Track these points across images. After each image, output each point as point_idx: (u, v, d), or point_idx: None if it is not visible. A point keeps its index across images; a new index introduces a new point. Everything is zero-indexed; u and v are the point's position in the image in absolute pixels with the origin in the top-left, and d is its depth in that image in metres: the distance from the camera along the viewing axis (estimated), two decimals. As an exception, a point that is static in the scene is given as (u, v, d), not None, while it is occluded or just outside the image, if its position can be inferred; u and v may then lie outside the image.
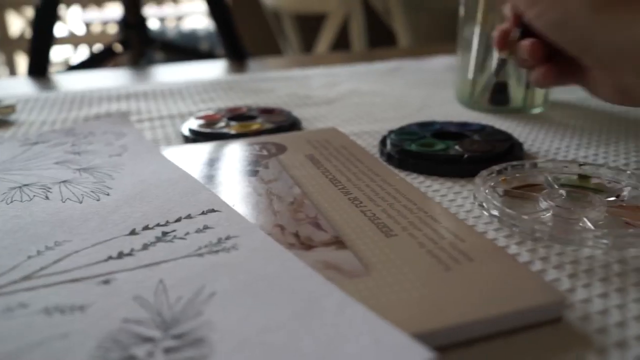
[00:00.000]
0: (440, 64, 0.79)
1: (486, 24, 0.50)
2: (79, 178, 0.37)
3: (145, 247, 0.27)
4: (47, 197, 0.34)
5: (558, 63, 0.39)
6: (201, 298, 0.23)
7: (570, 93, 0.57)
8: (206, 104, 0.60)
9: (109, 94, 0.65)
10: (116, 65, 1.04)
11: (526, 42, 0.39)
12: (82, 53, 2.80)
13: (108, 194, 0.34)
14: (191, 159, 0.41)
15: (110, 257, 0.26)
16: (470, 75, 0.52)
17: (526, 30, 0.39)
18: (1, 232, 0.29)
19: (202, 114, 0.51)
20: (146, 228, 0.29)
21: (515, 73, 0.51)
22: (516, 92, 0.52)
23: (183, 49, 1.28)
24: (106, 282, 0.24)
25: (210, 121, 0.49)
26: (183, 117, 0.54)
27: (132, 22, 0.99)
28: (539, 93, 0.52)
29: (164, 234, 0.28)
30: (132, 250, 0.27)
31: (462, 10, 0.53)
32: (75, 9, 2.85)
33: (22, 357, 0.19)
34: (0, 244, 0.28)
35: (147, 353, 0.19)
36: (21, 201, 0.33)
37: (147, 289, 0.23)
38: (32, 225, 0.30)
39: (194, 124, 0.48)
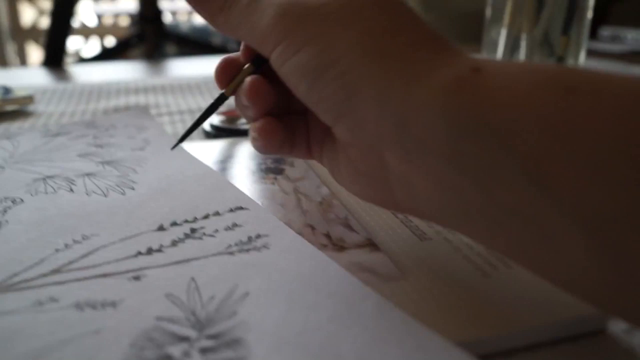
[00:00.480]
0: None
1: (513, 26, 0.50)
2: (102, 171, 0.36)
3: (174, 243, 0.27)
4: (71, 190, 0.33)
5: (287, 122, 0.27)
6: (235, 298, 0.22)
7: None
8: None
9: (127, 87, 0.65)
10: (128, 58, 1.04)
11: (249, 79, 0.26)
12: (94, 45, 2.80)
13: (133, 188, 0.33)
14: (214, 155, 0.40)
15: (139, 253, 0.26)
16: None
17: (265, 69, 0.26)
18: (27, 224, 0.29)
19: (223, 109, 0.51)
20: (174, 224, 0.29)
21: (531, 58, 0.50)
22: None
23: (197, 43, 1.28)
24: (137, 278, 0.24)
25: (231, 117, 0.49)
26: (202, 113, 0.54)
27: (149, 15, 0.98)
28: None
29: (193, 230, 0.28)
30: (161, 246, 0.26)
31: (488, 12, 0.52)
32: (88, 1, 2.85)
33: (53, 354, 0.19)
34: (26, 236, 0.27)
35: (183, 352, 0.19)
36: (46, 193, 0.33)
37: (178, 287, 0.23)
38: (58, 218, 0.29)
39: (215, 119, 0.48)
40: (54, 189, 0.33)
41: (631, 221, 0.16)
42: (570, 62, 0.49)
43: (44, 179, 0.35)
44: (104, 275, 0.24)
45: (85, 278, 0.24)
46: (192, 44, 1.19)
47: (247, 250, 0.26)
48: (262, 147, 0.27)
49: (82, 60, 1.05)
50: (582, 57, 0.50)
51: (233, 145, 0.43)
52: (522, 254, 0.20)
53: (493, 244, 0.20)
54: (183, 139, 0.28)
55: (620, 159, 0.16)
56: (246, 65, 0.27)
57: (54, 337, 0.20)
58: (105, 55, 0.99)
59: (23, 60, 2.71)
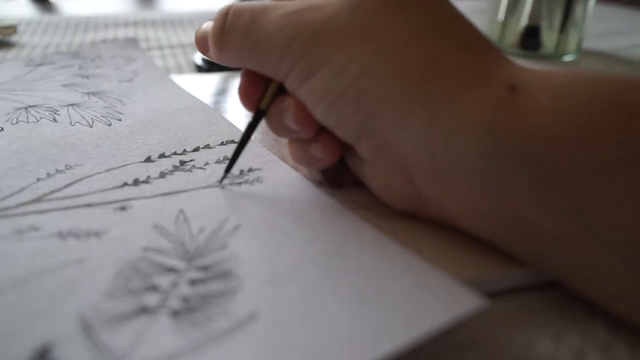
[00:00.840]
0: (467, 5, 0.76)
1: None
2: (87, 102, 0.35)
3: (162, 175, 0.25)
4: (54, 120, 0.32)
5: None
6: (225, 230, 0.21)
7: (608, 40, 0.54)
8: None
9: (116, 20, 0.62)
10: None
11: (290, 103, 0.22)
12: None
13: (120, 120, 0.32)
14: (207, 89, 0.38)
15: (125, 184, 0.25)
16: (501, 17, 0.49)
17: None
18: (6, 153, 0.27)
19: None
20: (162, 156, 0.27)
21: (548, 16, 0.48)
22: (548, 37, 0.49)
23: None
24: (122, 208, 0.22)
25: None
26: (194, 47, 0.51)
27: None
28: (572, 40, 0.49)
29: (182, 162, 0.27)
30: (148, 177, 0.25)
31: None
32: None
33: (32, 282, 0.18)
34: (6, 164, 0.26)
35: (170, 283, 0.18)
36: (27, 122, 0.31)
37: (167, 218, 0.22)
38: (39, 147, 0.28)
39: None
40: (36, 119, 0.32)
41: None
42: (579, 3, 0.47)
43: (26, 108, 0.33)
44: (88, 205, 0.23)
45: (68, 207, 0.22)
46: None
47: (239, 184, 0.25)
48: (326, 163, 0.23)
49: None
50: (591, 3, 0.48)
51: (227, 79, 0.41)
52: (562, 275, 0.19)
53: (532, 262, 0.19)
54: (229, 167, 0.24)
55: None
56: (274, 81, 0.23)
57: (34, 266, 0.19)
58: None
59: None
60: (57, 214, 0.22)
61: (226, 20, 0.23)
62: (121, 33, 0.56)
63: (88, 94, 0.36)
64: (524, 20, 0.47)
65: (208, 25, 0.24)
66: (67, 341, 0.15)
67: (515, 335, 0.18)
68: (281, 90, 0.23)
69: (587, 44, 0.54)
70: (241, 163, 0.26)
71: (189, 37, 0.56)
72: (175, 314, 0.17)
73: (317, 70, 0.21)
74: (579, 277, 0.18)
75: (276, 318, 0.16)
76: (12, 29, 0.53)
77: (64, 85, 0.38)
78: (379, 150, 0.21)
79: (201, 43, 0.25)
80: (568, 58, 0.50)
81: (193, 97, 0.35)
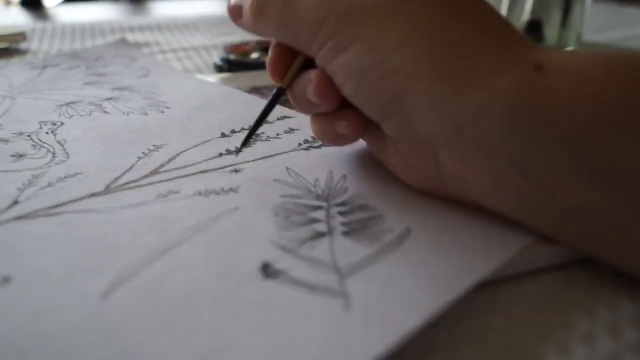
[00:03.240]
0: None
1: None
2: (122, 96, 0.37)
3: (246, 145, 0.29)
4: (105, 112, 0.33)
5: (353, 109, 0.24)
6: (336, 179, 0.25)
7: (604, 34, 0.59)
8: (226, 37, 0.59)
9: (122, 26, 0.63)
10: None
11: (313, 76, 0.23)
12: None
13: (169, 107, 0.34)
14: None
15: (221, 154, 0.28)
16: (504, 12, 0.54)
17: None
18: (87, 141, 0.29)
19: (231, 45, 0.50)
20: (234, 132, 0.31)
21: (549, 11, 0.52)
22: (550, 31, 0.53)
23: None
24: (236, 171, 0.26)
25: (242, 52, 0.49)
26: (207, 50, 0.54)
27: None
28: (572, 33, 0.54)
29: (257, 135, 0.30)
30: (236, 148, 0.28)
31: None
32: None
33: (213, 227, 0.21)
34: (97, 149, 0.28)
35: (325, 215, 0.22)
36: (81, 116, 0.33)
37: (280, 175, 0.25)
38: (116, 135, 0.30)
39: (225, 54, 0.47)
40: (87, 112, 0.33)
41: None
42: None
43: (67, 104, 0.35)
44: (203, 172, 0.26)
45: (187, 175, 0.25)
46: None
47: (318, 147, 0.29)
48: (350, 140, 0.25)
49: (66, 1, 0.97)
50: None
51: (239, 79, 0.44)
52: (587, 245, 0.19)
53: (556, 235, 0.20)
54: (248, 139, 0.26)
55: None
56: (299, 57, 0.24)
57: (201, 217, 0.22)
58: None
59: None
60: (182, 181, 0.25)
61: None
62: (129, 38, 0.57)
63: (116, 89, 0.38)
64: (526, 15, 0.51)
65: None
66: (278, 259, 0.19)
67: (551, 315, 0.19)
68: (307, 66, 0.24)
69: (586, 38, 0.59)
70: (307, 133, 0.30)
71: (198, 40, 0.58)
72: (346, 234, 0.21)
73: (350, 46, 0.21)
74: (605, 246, 0.19)
75: (426, 231, 0.21)
76: (21, 35, 0.52)
77: (86, 84, 0.39)
78: (406, 127, 0.21)
79: (235, 11, 0.25)
80: (569, 50, 0.56)
81: (222, 86, 0.38)
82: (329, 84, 0.23)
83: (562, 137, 0.18)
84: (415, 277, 0.18)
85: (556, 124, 0.18)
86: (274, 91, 0.25)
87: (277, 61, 0.25)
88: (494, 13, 0.22)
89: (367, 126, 0.24)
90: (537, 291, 0.20)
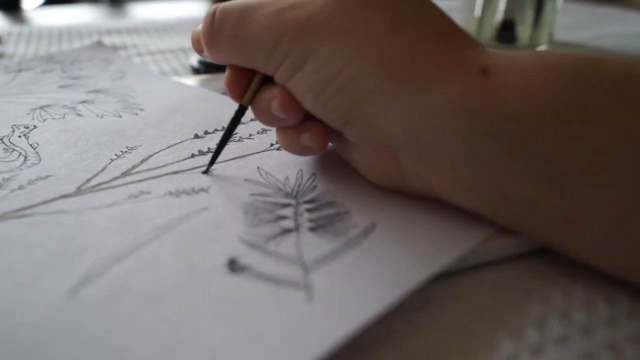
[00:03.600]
0: (441, 5, 0.84)
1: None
2: (96, 99, 0.37)
3: (220, 146, 0.29)
4: (79, 115, 0.34)
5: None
6: (306, 177, 0.26)
7: (576, 33, 0.61)
8: None
9: (99, 29, 0.62)
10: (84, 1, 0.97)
11: (276, 92, 0.24)
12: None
13: (143, 109, 0.35)
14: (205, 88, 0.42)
15: (193, 155, 0.28)
16: (478, 12, 0.55)
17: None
18: (59, 144, 0.29)
19: None
20: (207, 132, 0.31)
21: (522, 11, 0.54)
22: (523, 31, 0.55)
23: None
24: (208, 172, 0.26)
25: None
26: (185, 52, 0.54)
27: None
28: (544, 32, 0.55)
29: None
30: (209, 149, 0.29)
31: None
32: None
33: (182, 226, 0.21)
34: (70, 152, 0.28)
35: (293, 212, 0.23)
36: (54, 119, 0.33)
37: (251, 174, 0.26)
38: (89, 137, 0.30)
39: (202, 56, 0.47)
40: (61, 115, 0.34)
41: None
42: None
43: (41, 108, 0.35)
44: (175, 172, 0.26)
45: (159, 176, 0.26)
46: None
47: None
48: (316, 151, 0.26)
49: (46, 3, 0.96)
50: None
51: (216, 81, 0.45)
52: (540, 237, 0.21)
53: (513, 228, 0.21)
54: (213, 161, 0.26)
55: (633, 152, 0.17)
56: (257, 75, 0.25)
57: (169, 215, 0.22)
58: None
59: None
60: (153, 182, 0.25)
61: (214, 21, 0.24)
62: (107, 40, 0.57)
63: (90, 92, 0.38)
64: (499, 15, 0.52)
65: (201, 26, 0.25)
66: (245, 255, 0.20)
67: (506, 301, 0.19)
68: (266, 80, 0.25)
69: (558, 37, 0.61)
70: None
71: (176, 42, 0.58)
72: (313, 230, 0.21)
73: (304, 63, 0.22)
74: (557, 239, 0.20)
75: (390, 225, 0.22)
76: None
77: (60, 87, 0.39)
78: (366, 133, 0.22)
79: (196, 44, 0.26)
80: (540, 49, 0.58)
81: (198, 88, 0.39)
82: (292, 99, 0.24)
83: (509, 138, 0.19)
84: (377, 269, 0.19)
85: (503, 125, 0.19)
86: (236, 109, 0.26)
87: (234, 79, 0.25)
88: (443, 17, 0.22)
89: (331, 134, 0.25)
90: (495, 280, 0.20)
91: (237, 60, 0.24)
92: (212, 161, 0.26)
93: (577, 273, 0.20)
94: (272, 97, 0.24)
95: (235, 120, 0.26)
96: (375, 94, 0.21)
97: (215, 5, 0.25)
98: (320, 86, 0.22)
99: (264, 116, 0.25)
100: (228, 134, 0.26)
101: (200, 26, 0.25)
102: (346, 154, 0.25)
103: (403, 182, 0.23)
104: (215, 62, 0.26)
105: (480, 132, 0.19)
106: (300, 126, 0.25)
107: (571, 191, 0.18)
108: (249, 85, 0.25)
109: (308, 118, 0.24)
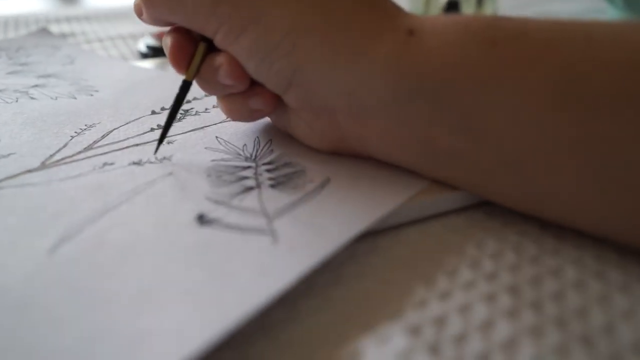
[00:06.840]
0: None
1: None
2: (47, 83, 0.37)
3: (179, 119, 0.30)
4: (32, 98, 0.34)
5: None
6: (263, 143, 0.27)
7: (520, 11, 0.64)
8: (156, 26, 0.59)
9: (47, 17, 0.61)
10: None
11: (223, 60, 0.24)
12: None
13: (97, 91, 0.35)
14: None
15: (152, 129, 0.29)
16: None
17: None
18: (16, 125, 0.30)
19: (158, 32, 0.51)
20: (164, 109, 0.32)
21: None
22: (468, 9, 0.56)
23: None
24: (169, 142, 0.27)
25: None
26: (134, 38, 0.54)
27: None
28: (488, 11, 0.57)
29: (186, 111, 0.32)
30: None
31: None
32: None
33: (149, 190, 0.23)
34: (28, 132, 0.29)
35: (253, 173, 0.24)
36: (7, 102, 0.33)
37: (211, 143, 0.27)
38: (46, 117, 0.31)
39: (150, 41, 0.48)
40: (14, 99, 0.34)
41: (539, 156, 0.19)
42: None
43: (-8, 93, 0.35)
44: (137, 145, 0.27)
45: (121, 149, 0.27)
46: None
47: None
48: (265, 113, 0.27)
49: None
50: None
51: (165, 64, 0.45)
52: (466, 187, 0.23)
53: (437, 177, 0.23)
54: (162, 140, 0.26)
55: (535, 99, 0.19)
56: (200, 46, 0.25)
57: (136, 181, 0.23)
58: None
59: None
60: (116, 154, 0.26)
61: None
62: (55, 29, 0.56)
63: (42, 76, 0.38)
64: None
65: None
66: (212, 210, 0.21)
67: (447, 246, 0.21)
68: (210, 49, 0.25)
69: (503, 13, 0.64)
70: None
71: (126, 28, 0.57)
72: (273, 186, 0.23)
73: (246, 29, 0.23)
74: (474, 183, 0.22)
75: (343, 179, 0.24)
76: None
77: (9, 73, 0.39)
78: (306, 97, 0.24)
79: (137, 7, 0.26)
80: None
81: (148, 69, 0.39)
82: (239, 65, 0.24)
83: (430, 92, 0.21)
84: (333, 214, 0.21)
85: (425, 80, 0.21)
86: (180, 85, 0.26)
87: (177, 49, 0.25)
88: None
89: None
90: (440, 230, 0.22)
91: (176, 18, 0.25)
92: (161, 140, 0.26)
93: (511, 221, 0.23)
94: (219, 65, 0.24)
95: (180, 99, 0.26)
96: (316, 60, 0.23)
97: None
98: (263, 52, 0.23)
99: (209, 85, 0.26)
100: (174, 112, 0.26)
101: None
102: (285, 121, 0.27)
103: (341, 143, 0.25)
104: (152, 22, 0.25)
105: (407, 88, 0.21)
106: (248, 91, 0.25)
107: (482, 139, 0.20)
108: (192, 58, 0.25)
109: (254, 83, 0.25)
